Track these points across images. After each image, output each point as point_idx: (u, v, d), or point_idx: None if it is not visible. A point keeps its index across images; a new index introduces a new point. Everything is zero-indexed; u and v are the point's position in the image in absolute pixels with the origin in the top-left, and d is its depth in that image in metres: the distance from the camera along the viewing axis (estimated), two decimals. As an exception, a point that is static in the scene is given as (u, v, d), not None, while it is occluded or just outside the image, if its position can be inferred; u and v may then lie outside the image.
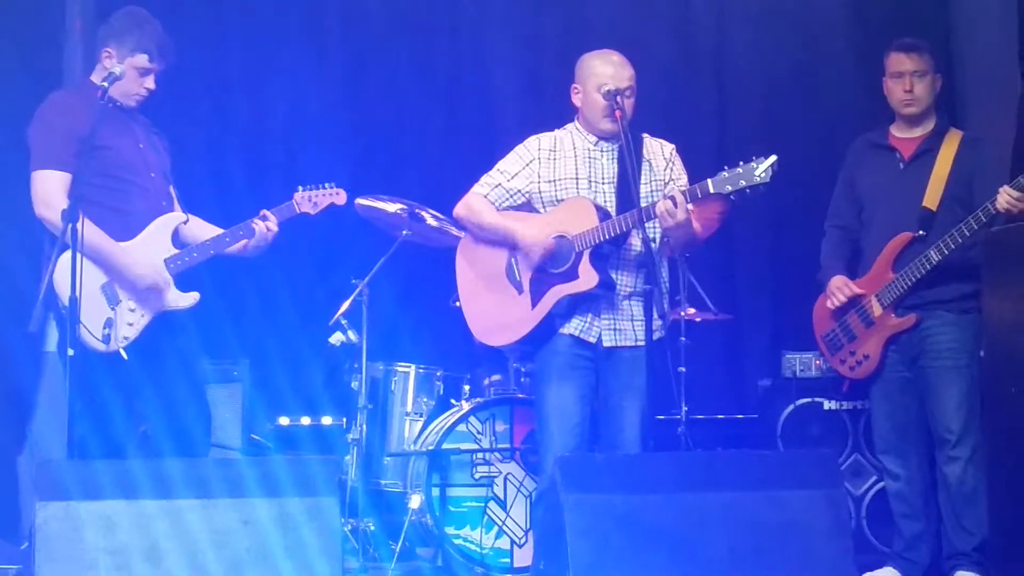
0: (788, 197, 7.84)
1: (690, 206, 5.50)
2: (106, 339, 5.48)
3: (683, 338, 7.22)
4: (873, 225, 6.16)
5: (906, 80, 6.09)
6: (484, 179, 5.78)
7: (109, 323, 5.50)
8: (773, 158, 5.27)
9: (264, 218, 5.85)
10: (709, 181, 5.36)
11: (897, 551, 6.16)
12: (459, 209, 5.81)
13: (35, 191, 5.54)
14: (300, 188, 6.01)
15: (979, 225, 5.71)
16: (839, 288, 6.15)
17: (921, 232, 5.96)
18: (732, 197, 5.34)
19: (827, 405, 7.09)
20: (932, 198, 5.98)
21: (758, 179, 5.28)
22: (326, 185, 6.05)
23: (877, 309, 6.05)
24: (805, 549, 4.88)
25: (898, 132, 6.20)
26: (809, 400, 7.13)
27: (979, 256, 5.87)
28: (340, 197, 6.08)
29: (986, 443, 5.85)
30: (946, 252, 5.81)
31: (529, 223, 5.67)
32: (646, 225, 5.42)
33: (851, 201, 6.28)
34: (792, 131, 7.90)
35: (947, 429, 5.93)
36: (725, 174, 5.33)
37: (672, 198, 5.36)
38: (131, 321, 5.57)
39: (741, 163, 5.31)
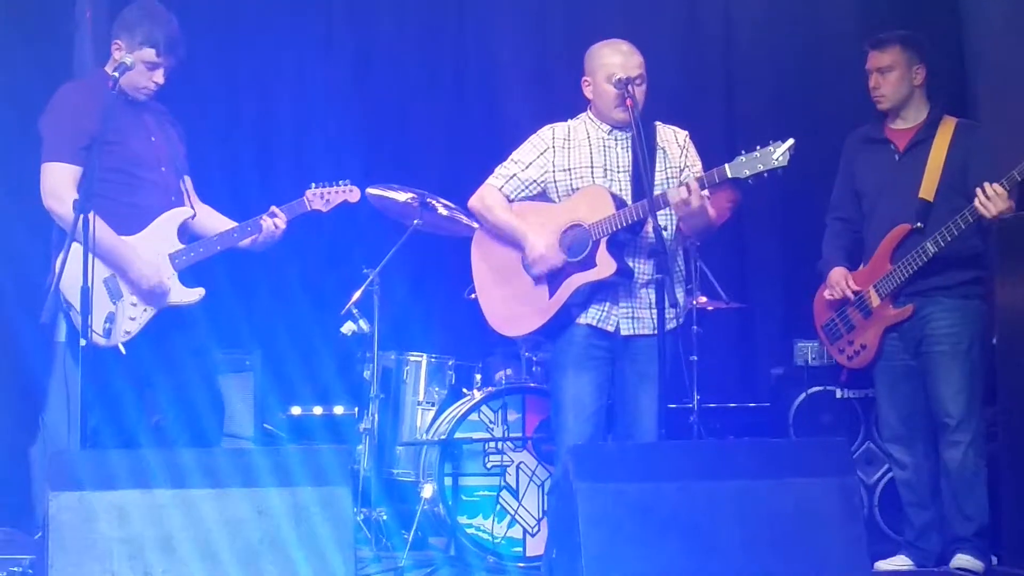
0: (798, 185, 7.79)
1: (705, 192, 5.50)
2: (107, 333, 5.46)
3: (695, 327, 7.23)
4: (873, 217, 6.15)
5: (872, 77, 6.12)
6: (499, 170, 5.76)
7: (110, 317, 5.49)
8: (791, 141, 5.25)
9: (272, 215, 5.83)
10: (727, 166, 5.34)
11: (908, 540, 6.15)
12: (473, 202, 5.79)
13: (44, 183, 5.55)
14: (313, 185, 5.95)
15: (974, 218, 5.71)
16: (837, 282, 6.15)
17: (919, 224, 5.95)
18: (750, 181, 5.33)
19: (839, 393, 7.10)
20: (928, 189, 5.97)
21: (776, 163, 5.26)
22: (339, 183, 5.99)
23: (875, 300, 6.05)
24: (818, 537, 4.87)
25: (892, 124, 6.19)
26: (821, 388, 7.13)
27: (981, 244, 5.88)
28: (353, 195, 6.01)
29: (1000, 429, 5.84)
30: (943, 244, 5.81)
31: (543, 218, 5.65)
32: (659, 214, 5.41)
33: (850, 194, 6.28)
34: (800, 119, 7.88)
35: (947, 414, 5.92)
36: (742, 158, 5.30)
37: (686, 185, 5.36)
38: (133, 316, 5.56)
39: (758, 147, 5.29)
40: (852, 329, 6.16)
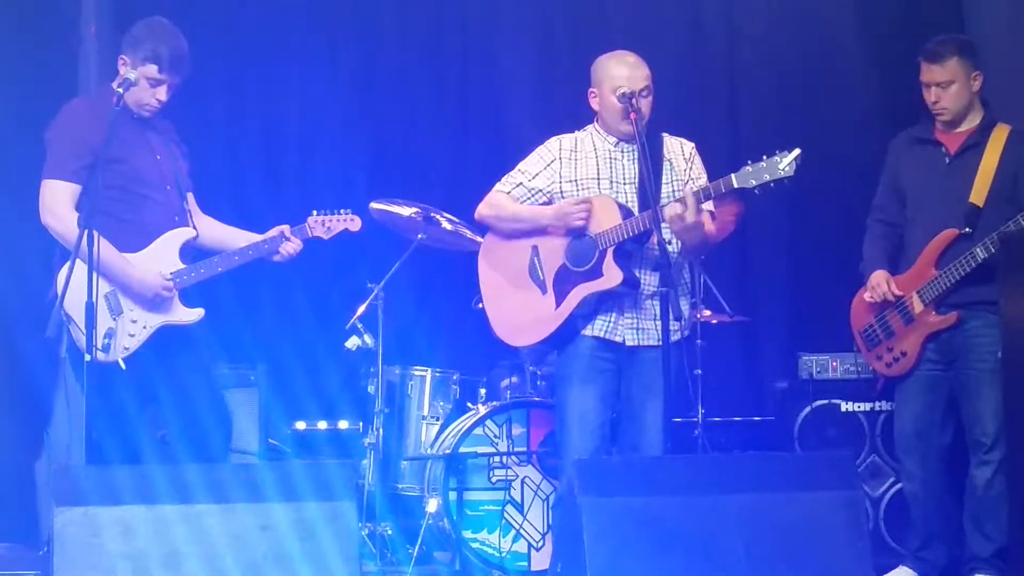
0: (803, 197, 7.83)
1: (709, 204, 5.51)
2: (105, 348, 5.44)
3: (699, 340, 7.22)
4: (918, 221, 6.08)
5: (932, 91, 6.02)
6: (506, 178, 5.77)
7: (110, 333, 5.49)
8: (797, 151, 5.25)
9: (287, 238, 5.84)
10: (733, 176, 5.33)
11: (911, 550, 6.13)
12: (481, 208, 5.79)
13: (42, 199, 5.56)
14: (315, 212, 5.99)
15: None
16: (878, 284, 6.08)
17: (968, 229, 5.90)
18: (756, 191, 5.33)
19: (844, 407, 7.08)
20: (979, 194, 5.90)
21: (782, 173, 5.25)
22: (341, 211, 6.03)
23: (918, 306, 5.99)
24: (823, 551, 4.87)
25: (940, 126, 6.11)
26: (826, 402, 7.11)
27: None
28: (354, 224, 6.06)
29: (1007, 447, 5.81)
30: (993, 250, 5.74)
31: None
32: (664, 227, 5.40)
33: (894, 196, 6.20)
34: (805, 129, 7.86)
35: (983, 432, 5.87)
36: (749, 168, 5.30)
37: (681, 200, 5.35)
38: (132, 332, 5.57)
39: (764, 157, 5.28)
40: (892, 335, 6.10)
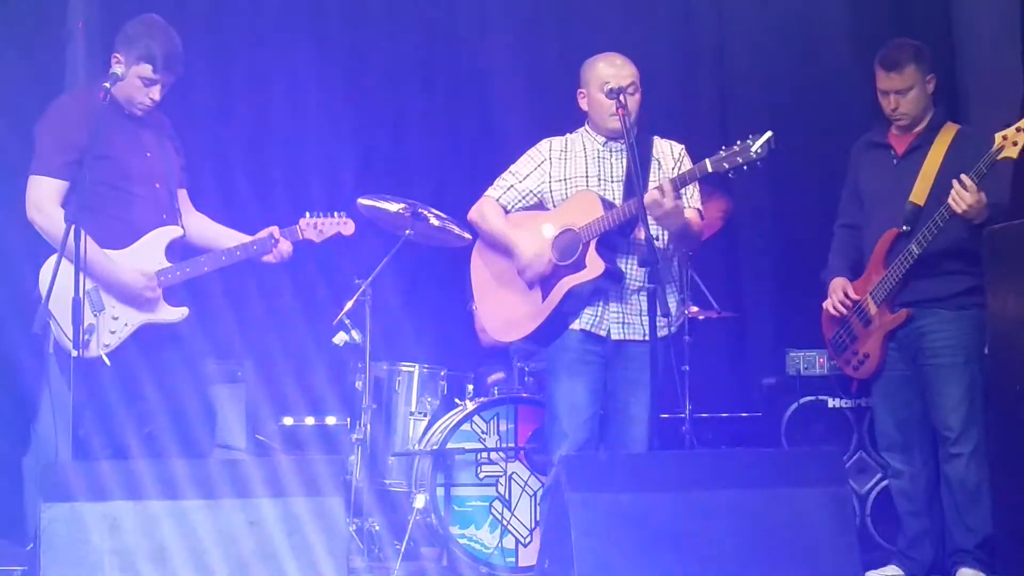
0: (791, 194, 7.84)
1: (696, 201, 5.52)
2: (85, 344, 5.43)
3: (687, 336, 7.22)
4: (871, 223, 6.15)
5: (890, 99, 6.07)
6: (497, 181, 5.87)
7: (90, 329, 5.46)
8: (769, 134, 5.34)
9: (276, 241, 5.82)
10: (707, 161, 5.42)
11: (900, 548, 6.15)
12: (472, 214, 5.91)
13: (29, 195, 5.55)
14: (307, 214, 5.97)
15: (949, 214, 5.70)
16: (834, 291, 6.16)
17: (906, 227, 5.95)
18: (730, 174, 5.39)
19: (831, 403, 7.09)
20: (919, 194, 5.96)
21: (755, 155, 5.33)
22: (335, 214, 6.02)
23: (873, 307, 6.05)
24: (810, 547, 4.87)
25: (896, 130, 6.18)
26: (813, 398, 7.13)
27: (974, 249, 5.86)
28: (348, 227, 6.04)
29: (991, 440, 5.83)
30: (924, 244, 5.79)
31: (537, 225, 5.72)
32: (652, 223, 5.44)
33: (855, 200, 6.28)
34: (794, 129, 7.85)
35: (946, 427, 5.92)
36: (722, 153, 5.39)
37: (659, 187, 5.40)
38: (113, 329, 5.55)
39: (738, 142, 5.37)
40: (855, 339, 6.14)
